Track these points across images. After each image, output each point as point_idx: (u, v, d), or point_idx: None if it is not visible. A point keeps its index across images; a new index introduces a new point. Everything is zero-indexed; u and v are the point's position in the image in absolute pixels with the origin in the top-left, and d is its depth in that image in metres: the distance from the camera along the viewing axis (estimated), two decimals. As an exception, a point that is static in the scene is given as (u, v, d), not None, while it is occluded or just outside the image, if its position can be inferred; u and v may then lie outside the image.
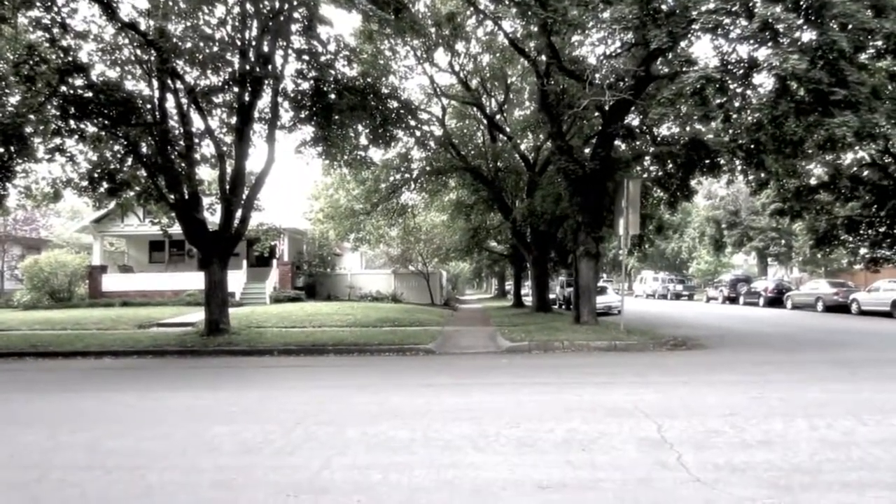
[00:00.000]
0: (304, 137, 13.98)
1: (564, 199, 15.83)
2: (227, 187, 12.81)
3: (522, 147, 22.67)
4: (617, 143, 15.39)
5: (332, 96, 12.98)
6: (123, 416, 5.92)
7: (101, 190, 12.84)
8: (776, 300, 26.31)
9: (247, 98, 12.40)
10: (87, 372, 9.33)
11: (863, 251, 23.28)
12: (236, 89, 12.44)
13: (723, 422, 5.06)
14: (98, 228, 23.90)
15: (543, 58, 14.80)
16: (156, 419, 5.70)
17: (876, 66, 11.49)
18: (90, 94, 11.45)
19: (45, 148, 12.31)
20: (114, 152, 12.91)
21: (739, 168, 16.08)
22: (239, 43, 12.29)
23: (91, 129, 12.21)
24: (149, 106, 12.27)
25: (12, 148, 11.75)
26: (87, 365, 10.08)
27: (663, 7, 10.57)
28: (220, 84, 12.48)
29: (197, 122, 12.88)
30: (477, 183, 22.54)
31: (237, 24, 12.35)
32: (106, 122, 11.83)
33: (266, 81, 12.33)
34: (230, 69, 12.23)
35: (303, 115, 13.43)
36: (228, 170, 12.90)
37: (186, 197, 12.56)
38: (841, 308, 21.54)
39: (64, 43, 11.51)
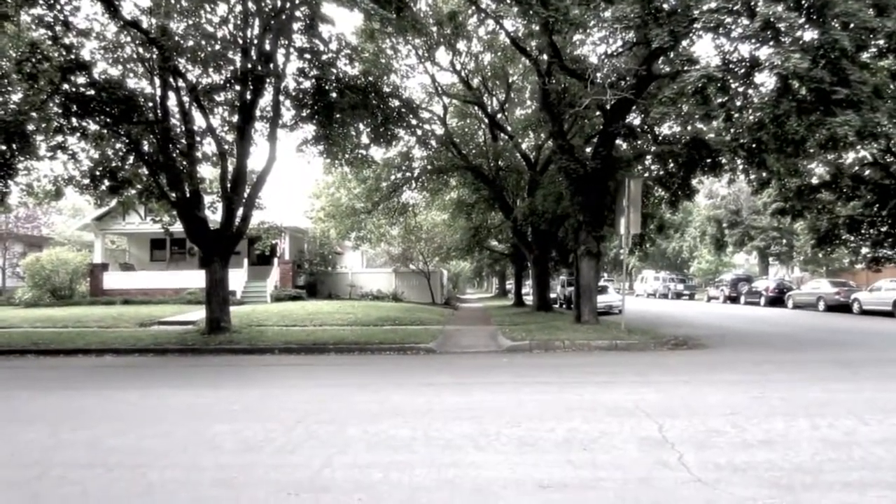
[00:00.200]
0: (305, 136, 14.01)
1: (565, 198, 15.82)
2: (229, 186, 12.82)
3: (524, 146, 22.66)
4: (618, 142, 15.39)
5: (334, 95, 12.98)
6: (124, 414, 5.93)
7: (103, 188, 12.84)
8: (777, 300, 26.29)
9: (248, 96, 12.41)
10: (89, 370, 9.34)
11: (864, 251, 23.27)
12: (238, 87, 12.44)
13: (724, 421, 5.06)
14: (99, 226, 23.91)
15: (545, 57, 14.79)
16: (157, 417, 5.71)
17: (878, 66, 11.47)
18: (92, 92, 11.45)
19: (47, 145, 12.31)
20: (115, 150, 12.92)
21: (741, 167, 16.06)
22: (241, 41, 12.30)
23: (93, 126, 12.22)
24: (150, 104, 12.27)
25: (14, 145, 11.77)
26: (89, 363, 10.10)
27: (665, 6, 10.55)
28: (221, 82, 12.49)
29: (198, 121, 12.93)
30: (478, 182, 22.53)
31: (239, 22, 12.36)
32: (108, 119, 11.83)
33: (268, 80, 12.33)
34: (232, 67, 12.23)
35: (304, 114, 13.43)
36: (230, 168, 12.91)
37: (188, 195, 12.56)
38: (842, 308, 21.52)
39: (66, 41, 11.51)
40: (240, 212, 12.99)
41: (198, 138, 12.84)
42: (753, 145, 13.01)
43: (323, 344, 11.27)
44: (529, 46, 15.95)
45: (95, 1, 11.49)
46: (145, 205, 15.21)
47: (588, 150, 16.49)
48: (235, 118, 13.01)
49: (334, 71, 13.04)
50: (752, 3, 10.01)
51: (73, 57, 11.49)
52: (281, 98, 13.06)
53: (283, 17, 12.11)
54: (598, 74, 12.94)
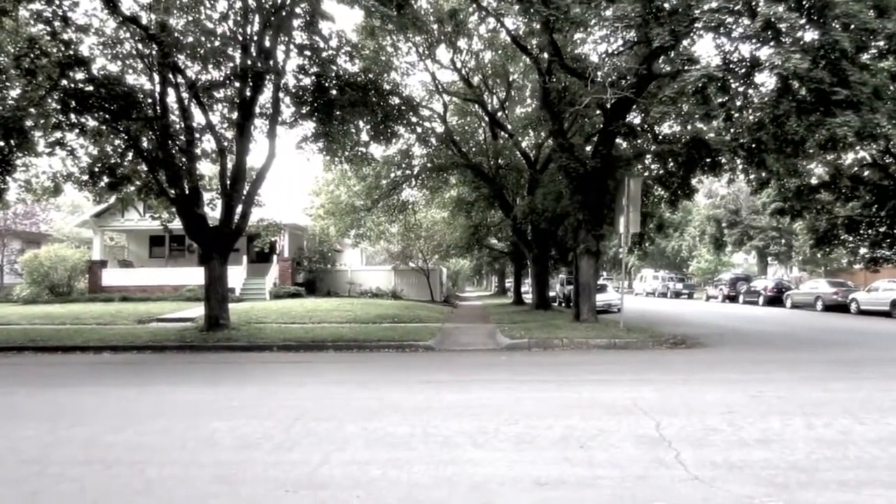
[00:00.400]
0: (305, 133, 13.99)
1: (565, 196, 15.83)
2: (228, 182, 12.81)
3: (524, 144, 22.65)
4: (618, 141, 15.39)
5: (334, 92, 12.97)
6: (123, 410, 5.93)
7: (102, 184, 12.82)
8: (776, 299, 26.34)
9: (248, 93, 12.39)
10: (87, 367, 9.34)
11: (863, 251, 23.31)
12: (237, 84, 12.42)
13: (721, 420, 5.07)
14: (98, 223, 23.88)
15: (545, 55, 14.78)
16: (155, 414, 5.71)
17: (878, 67, 11.47)
18: (91, 88, 11.43)
19: (46, 142, 12.29)
20: (114, 146, 12.90)
21: (740, 167, 16.07)
22: (240, 38, 12.27)
23: (92, 123, 12.20)
24: (150, 100, 12.25)
25: (13, 141, 11.75)
26: (87, 359, 10.10)
27: (666, 5, 10.55)
28: (221, 79, 12.46)
29: (198, 117, 12.90)
30: (478, 180, 22.52)
31: (239, 18, 12.33)
32: (107, 116, 11.81)
33: (267, 77, 12.31)
34: (231, 64, 12.21)
35: (304, 111, 13.41)
36: (229, 165, 12.90)
37: (187, 192, 12.55)
38: (840, 308, 21.57)
39: (65, 36, 11.48)
40: (239, 209, 12.98)
41: (197, 135, 12.82)
42: (753, 145, 13.03)
43: (322, 341, 11.28)
44: (530, 45, 15.94)
45: (95, -4, 11.48)
46: (144, 201, 15.19)
47: (588, 148, 16.49)
48: (235, 115, 12.99)
49: (334, 68, 13.02)
50: (753, 4, 10.01)
51: (71, 53, 11.46)
52: (281, 95, 13.05)
53: (284, 13, 12.09)
54: (599, 73, 12.94)
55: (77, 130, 12.15)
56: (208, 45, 11.54)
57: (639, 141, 16.34)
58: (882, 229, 21.33)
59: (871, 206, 20.96)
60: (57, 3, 11.24)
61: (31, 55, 11.26)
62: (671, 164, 15.74)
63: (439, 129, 20.75)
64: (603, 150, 14.24)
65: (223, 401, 6.32)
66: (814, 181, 21.89)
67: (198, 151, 13.03)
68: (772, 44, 9.99)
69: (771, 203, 26.00)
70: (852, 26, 9.57)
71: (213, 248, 12.72)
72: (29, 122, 11.73)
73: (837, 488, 3.51)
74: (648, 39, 10.82)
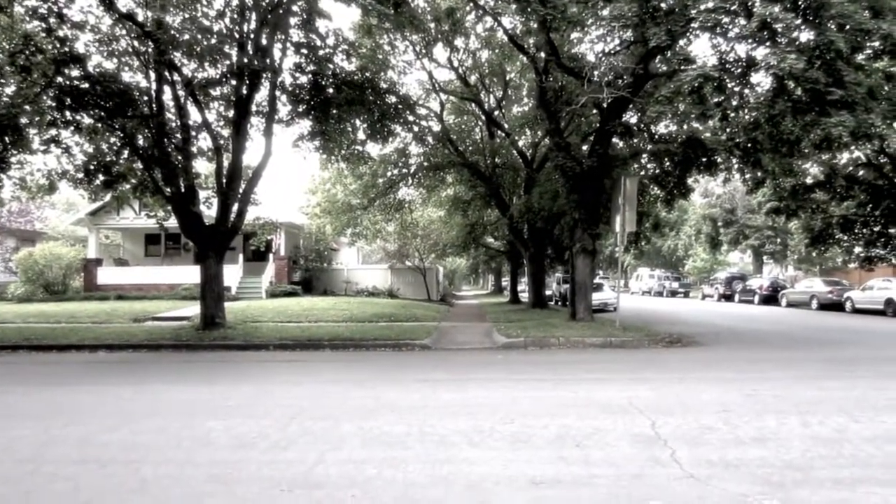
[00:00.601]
0: (301, 131, 13.95)
1: (562, 195, 15.84)
2: (224, 181, 12.77)
3: (520, 143, 22.65)
4: (615, 140, 15.41)
5: (331, 90, 12.93)
6: (118, 409, 5.91)
7: (97, 182, 12.77)
8: (771, 298, 26.43)
9: (244, 91, 12.35)
10: (82, 365, 9.31)
11: (857, 250, 23.45)
12: (234, 82, 12.37)
13: (717, 418, 5.09)
14: (93, 221, 23.77)
15: (542, 55, 14.78)
16: (150, 413, 5.69)
17: (872, 67, 11.53)
18: (86, 86, 11.37)
19: (41, 139, 12.23)
20: (110, 144, 12.84)
21: (736, 166, 16.12)
22: (237, 35, 12.23)
23: (87, 120, 12.14)
24: (146, 98, 12.20)
25: (7, 139, 11.67)
26: (82, 358, 10.06)
27: (662, 5, 10.58)
28: (217, 77, 12.42)
29: (194, 115, 12.85)
30: (474, 179, 22.52)
31: (235, 16, 12.28)
32: (102, 113, 11.76)
33: (264, 74, 12.27)
34: (228, 62, 12.15)
35: (300, 109, 13.38)
36: (225, 163, 12.86)
37: (183, 190, 12.51)
38: (835, 306, 21.66)
39: (60, 33, 11.40)
40: (235, 207, 12.95)
41: (193, 133, 12.78)
42: (749, 145, 13.08)
43: (318, 340, 11.26)
44: (527, 44, 15.93)
45: (90, -7, 11.41)
46: (140, 200, 15.14)
47: (584, 147, 16.49)
48: (231, 113, 12.95)
49: (331, 66, 12.98)
50: (750, 4, 10.05)
51: (67, 49, 11.40)
52: (277, 93, 13.01)
53: (280, 11, 12.05)
54: (596, 73, 12.95)
55: (72, 128, 12.09)
56: (205, 43, 11.49)
57: (635, 140, 16.36)
58: (877, 228, 21.45)
59: (865, 205, 21.08)
60: (52, -1, 11.17)
61: (27, 52, 11.19)
62: (667, 163, 15.78)
63: (436, 127, 20.74)
64: (599, 150, 14.26)
65: (219, 400, 6.31)
66: (809, 181, 22.00)
67: (194, 149, 13.00)
68: (768, 44, 10.03)
69: (766, 202, 26.12)
70: (847, 27, 9.61)
71: (209, 247, 12.68)
72: (24, 120, 11.65)
73: (832, 486, 3.53)
74: (645, 39, 10.84)
